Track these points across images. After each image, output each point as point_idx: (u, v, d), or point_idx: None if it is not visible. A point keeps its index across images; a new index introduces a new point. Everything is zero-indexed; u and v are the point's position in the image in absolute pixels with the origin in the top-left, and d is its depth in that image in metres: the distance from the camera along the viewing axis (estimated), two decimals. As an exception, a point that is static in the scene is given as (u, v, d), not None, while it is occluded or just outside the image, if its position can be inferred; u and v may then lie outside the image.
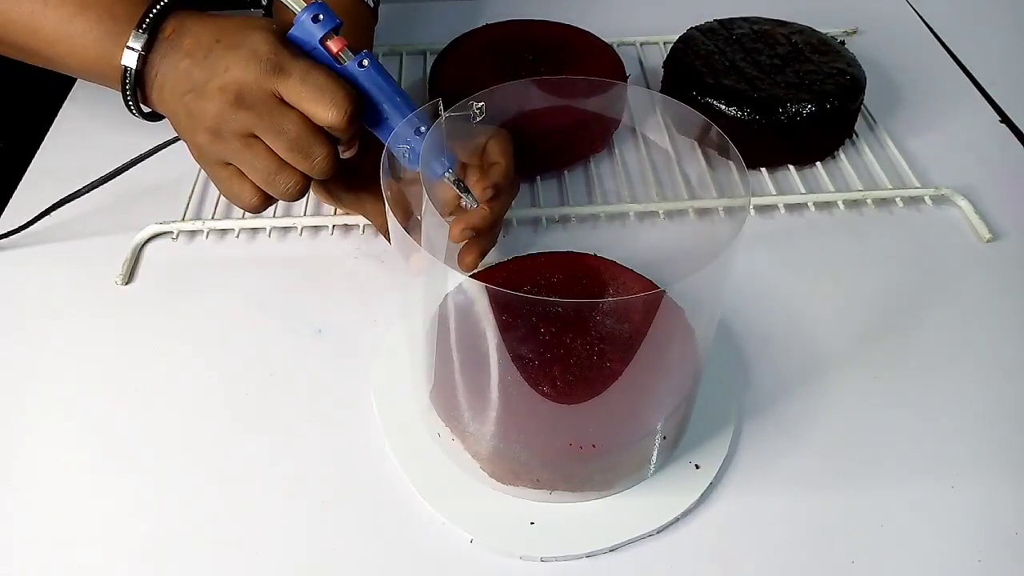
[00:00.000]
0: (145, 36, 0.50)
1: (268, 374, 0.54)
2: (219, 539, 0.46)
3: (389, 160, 0.46)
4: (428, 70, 0.75)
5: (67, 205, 0.61)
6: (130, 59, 0.50)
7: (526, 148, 0.65)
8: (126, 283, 0.60)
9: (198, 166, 0.54)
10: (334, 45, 0.49)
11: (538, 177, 0.68)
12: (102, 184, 0.61)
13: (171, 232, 0.63)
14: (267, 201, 0.52)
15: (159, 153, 0.61)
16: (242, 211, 0.64)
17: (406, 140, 0.50)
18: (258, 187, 0.50)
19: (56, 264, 0.61)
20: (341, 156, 0.52)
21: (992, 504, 0.47)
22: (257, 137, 0.49)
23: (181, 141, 0.54)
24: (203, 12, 0.52)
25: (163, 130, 0.56)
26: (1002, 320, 0.58)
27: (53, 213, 0.62)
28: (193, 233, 0.64)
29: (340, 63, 0.49)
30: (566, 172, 0.68)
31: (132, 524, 0.47)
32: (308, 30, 0.49)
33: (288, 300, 0.59)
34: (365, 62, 0.49)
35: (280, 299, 0.59)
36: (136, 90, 0.52)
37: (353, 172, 0.56)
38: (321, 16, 0.49)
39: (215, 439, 0.51)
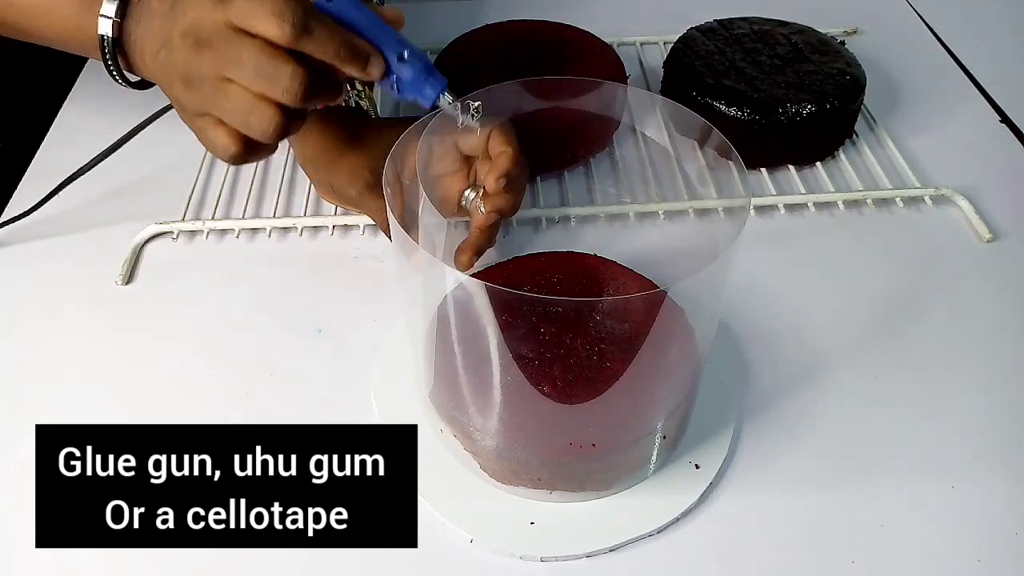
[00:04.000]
0: (117, 2, 0.49)
1: (268, 374, 0.54)
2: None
3: (389, 159, 0.46)
4: (428, 70, 0.75)
5: (67, 205, 0.61)
6: (105, 27, 0.49)
7: (526, 148, 0.65)
8: (126, 283, 0.60)
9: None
10: None
11: (538, 177, 0.68)
12: (107, 156, 0.59)
13: (171, 232, 0.63)
14: (246, 150, 0.49)
15: (159, 154, 0.61)
16: (242, 211, 0.64)
17: (391, 70, 0.47)
18: (234, 132, 0.48)
19: (56, 264, 0.61)
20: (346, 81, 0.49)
21: (992, 504, 0.47)
22: (228, 79, 0.46)
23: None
24: None
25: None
26: (1002, 320, 0.57)
27: (53, 212, 0.62)
28: (193, 233, 0.64)
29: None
30: (566, 172, 0.68)
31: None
32: None
33: (288, 300, 0.59)
34: None
35: (280, 299, 0.59)
36: (116, 59, 0.50)
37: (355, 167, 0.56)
38: None
39: (215, 439, 0.51)
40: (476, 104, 0.50)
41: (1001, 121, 0.74)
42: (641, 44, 0.83)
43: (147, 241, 0.63)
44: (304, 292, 0.60)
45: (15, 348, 0.56)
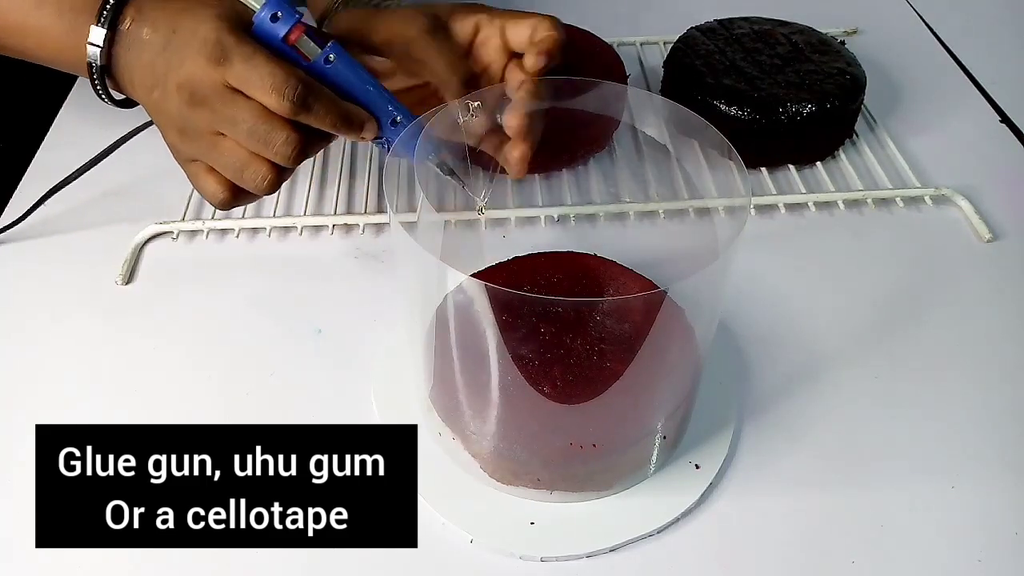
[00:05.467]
0: (104, 30, 0.48)
1: (268, 374, 0.54)
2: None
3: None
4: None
5: (67, 205, 0.61)
6: (93, 54, 0.49)
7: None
8: (126, 283, 0.60)
9: None
10: (301, 46, 0.47)
11: (538, 176, 0.68)
12: (100, 160, 0.60)
13: (171, 232, 0.63)
14: (236, 197, 0.51)
15: (159, 154, 0.60)
16: (242, 211, 0.64)
17: (384, 132, 0.49)
18: (225, 180, 0.50)
19: (56, 264, 0.61)
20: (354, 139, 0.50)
21: (992, 504, 0.47)
22: (222, 134, 0.48)
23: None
24: None
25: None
26: (1002, 320, 0.57)
27: (53, 212, 0.62)
28: (193, 233, 0.64)
29: (307, 60, 0.48)
30: (566, 172, 0.68)
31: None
32: (268, 30, 0.47)
33: (288, 300, 0.59)
34: (332, 56, 0.48)
35: (280, 299, 0.59)
36: (105, 82, 0.51)
37: None
38: (280, 13, 0.46)
39: (215, 439, 0.51)
40: (476, 104, 0.50)
41: (1001, 121, 0.74)
42: (641, 44, 0.83)
43: (147, 241, 0.63)
44: (304, 292, 0.60)
45: (15, 348, 0.56)
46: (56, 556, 0.45)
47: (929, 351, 0.55)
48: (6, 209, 0.65)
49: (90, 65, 0.50)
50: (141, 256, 0.62)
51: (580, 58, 0.72)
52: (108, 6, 0.48)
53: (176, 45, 0.47)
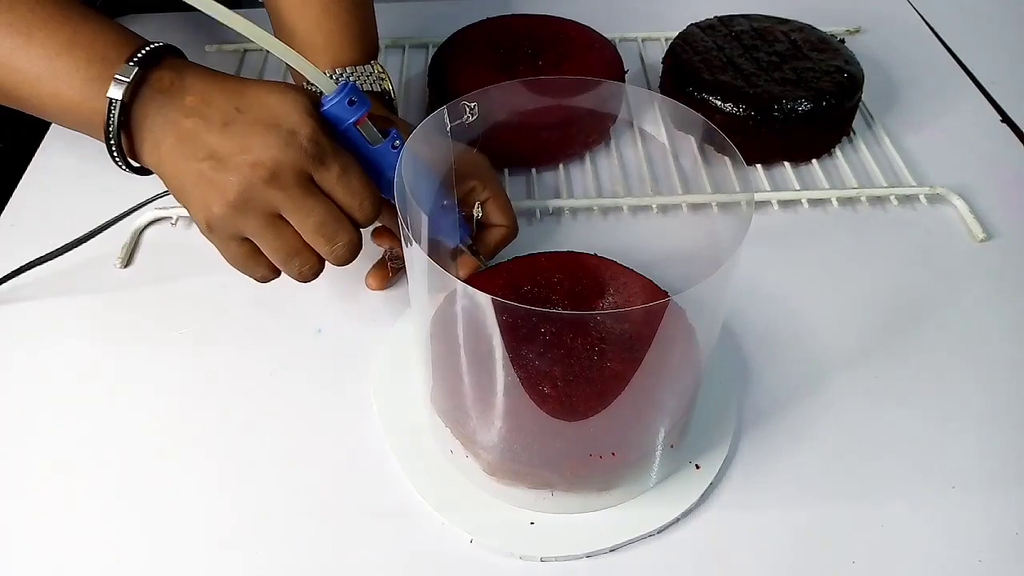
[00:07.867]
0: (136, 69, 0.46)
1: (268, 374, 0.54)
2: (218, 538, 0.46)
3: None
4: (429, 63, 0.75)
5: (68, 187, 0.60)
6: (117, 91, 0.46)
7: (524, 141, 0.65)
8: (125, 266, 0.61)
9: None
10: (364, 130, 0.49)
11: (534, 170, 0.68)
12: (75, 247, 0.58)
13: (170, 217, 0.64)
14: (277, 276, 0.51)
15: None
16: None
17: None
18: (270, 263, 0.49)
19: (56, 246, 0.61)
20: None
21: (992, 504, 0.48)
22: (281, 217, 0.47)
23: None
24: (198, 66, 0.49)
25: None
26: (996, 320, 0.57)
27: (53, 195, 0.61)
28: (192, 220, 0.63)
29: (373, 145, 0.49)
30: (562, 165, 0.68)
31: (129, 520, 0.47)
32: (340, 113, 0.48)
33: (288, 300, 0.59)
34: (397, 143, 0.50)
35: (280, 298, 0.59)
36: (120, 134, 0.47)
37: None
38: (355, 100, 0.48)
39: (214, 439, 0.51)
40: (472, 105, 0.50)
41: (1002, 121, 0.74)
42: (643, 40, 0.83)
43: (147, 225, 0.63)
44: (304, 292, 0.59)
45: (13, 330, 0.56)
46: (53, 553, 0.45)
47: (924, 351, 0.55)
48: (6, 209, 0.65)
49: (110, 105, 0.46)
50: (140, 240, 0.62)
51: (579, 53, 0.72)
52: (143, 52, 0.47)
53: (247, 127, 0.45)
